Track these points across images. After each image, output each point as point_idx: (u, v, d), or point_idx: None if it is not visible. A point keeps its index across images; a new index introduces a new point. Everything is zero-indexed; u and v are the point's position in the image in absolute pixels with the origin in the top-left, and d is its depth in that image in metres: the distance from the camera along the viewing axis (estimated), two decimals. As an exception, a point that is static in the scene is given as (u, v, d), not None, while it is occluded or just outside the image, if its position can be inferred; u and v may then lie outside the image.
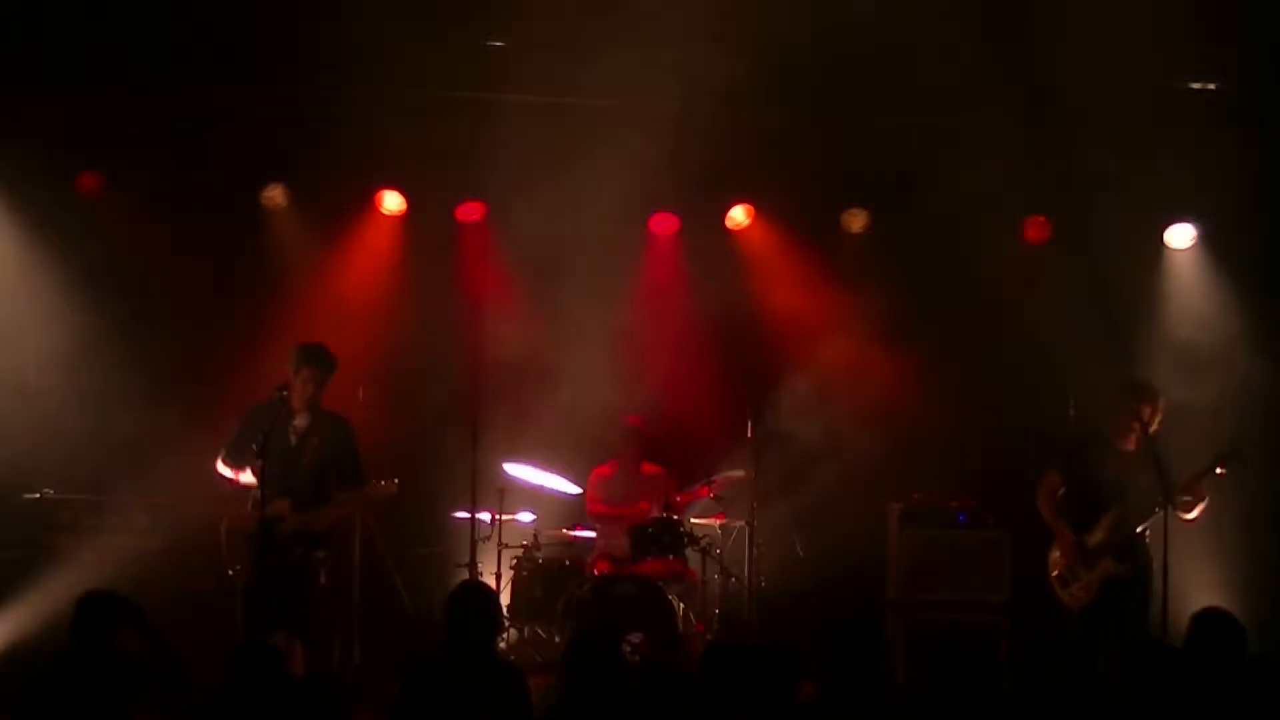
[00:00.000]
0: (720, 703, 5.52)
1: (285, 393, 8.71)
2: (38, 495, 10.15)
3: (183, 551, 10.01)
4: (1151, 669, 6.25)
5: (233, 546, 8.70)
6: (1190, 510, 9.10)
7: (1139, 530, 9.18)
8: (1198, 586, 9.94)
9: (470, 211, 11.37)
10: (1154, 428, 9.19)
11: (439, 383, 10.85)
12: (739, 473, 10.45)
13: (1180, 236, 11.47)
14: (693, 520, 10.59)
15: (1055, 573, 9.33)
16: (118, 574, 9.40)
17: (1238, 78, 10.47)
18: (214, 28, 9.74)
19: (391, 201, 11.31)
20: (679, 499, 10.59)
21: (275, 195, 11.12)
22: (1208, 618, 6.48)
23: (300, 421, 8.82)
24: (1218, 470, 9.10)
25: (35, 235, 10.76)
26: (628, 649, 9.52)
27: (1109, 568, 9.14)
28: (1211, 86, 10.57)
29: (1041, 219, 11.46)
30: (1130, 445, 9.26)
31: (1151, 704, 6.10)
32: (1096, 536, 9.22)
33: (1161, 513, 8.90)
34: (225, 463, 8.89)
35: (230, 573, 8.67)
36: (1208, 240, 11.42)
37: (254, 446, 8.47)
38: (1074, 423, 10.79)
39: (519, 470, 10.61)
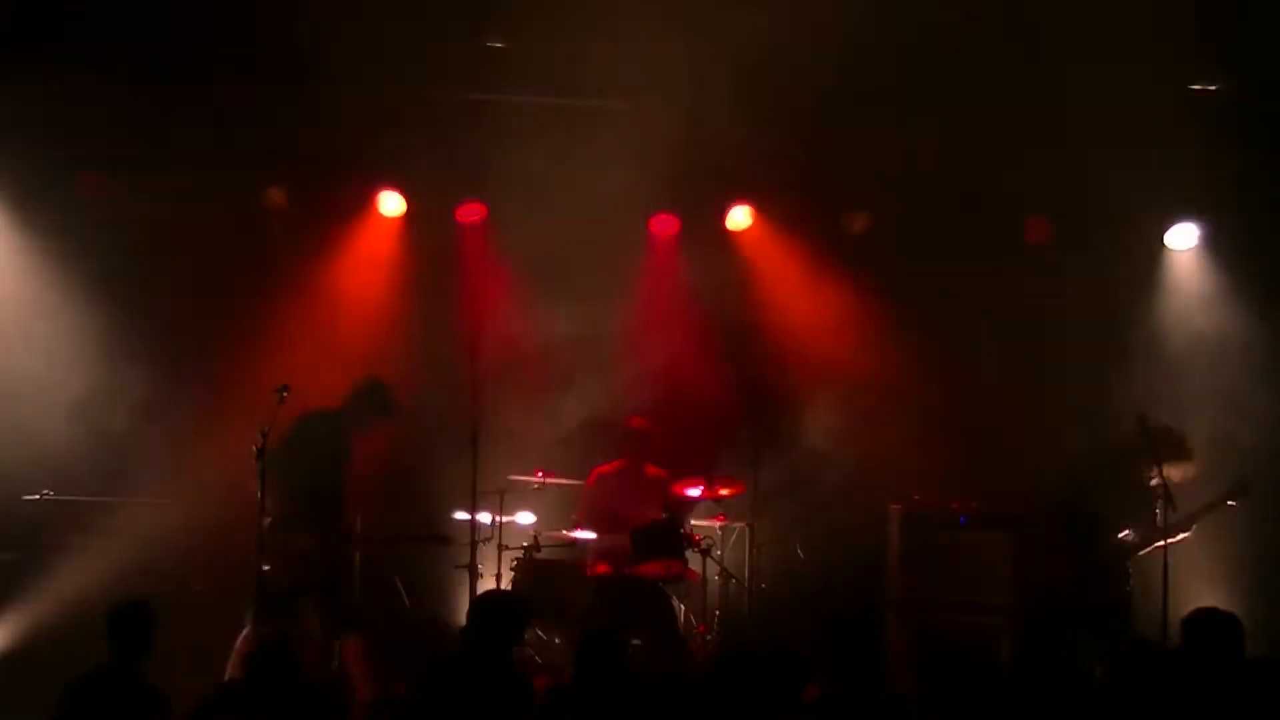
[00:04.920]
0: (728, 705, 5.51)
1: (285, 394, 8.77)
2: (38, 495, 10.14)
3: (183, 551, 10.01)
4: (1143, 669, 6.26)
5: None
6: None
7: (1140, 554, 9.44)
8: (1199, 588, 9.97)
9: (470, 212, 11.36)
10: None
11: (439, 384, 10.84)
12: (733, 490, 10.47)
13: (1181, 237, 11.46)
14: (693, 522, 10.57)
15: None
16: (118, 574, 9.42)
17: (1238, 78, 10.47)
18: (215, 28, 9.73)
19: (391, 203, 11.29)
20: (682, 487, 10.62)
21: (275, 196, 11.12)
22: (1200, 619, 6.45)
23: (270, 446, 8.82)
24: (1229, 503, 9.29)
25: (36, 235, 10.75)
26: (629, 651, 9.52)
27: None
28: (1211, 87, 10.56)
29: (1041, 219, 11.45)
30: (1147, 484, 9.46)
31: (1146, 703, 6.11)
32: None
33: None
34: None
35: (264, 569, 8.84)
36: (1209, 241, 11.42)
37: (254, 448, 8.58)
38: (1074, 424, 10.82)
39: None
